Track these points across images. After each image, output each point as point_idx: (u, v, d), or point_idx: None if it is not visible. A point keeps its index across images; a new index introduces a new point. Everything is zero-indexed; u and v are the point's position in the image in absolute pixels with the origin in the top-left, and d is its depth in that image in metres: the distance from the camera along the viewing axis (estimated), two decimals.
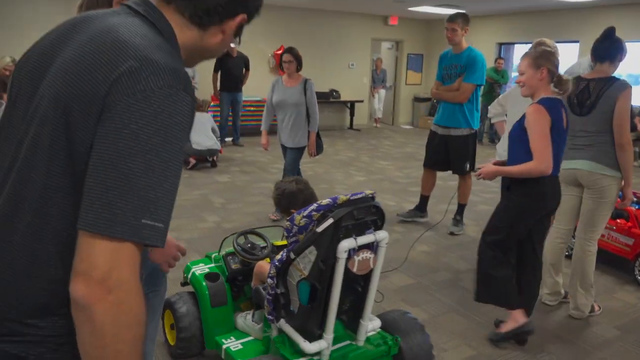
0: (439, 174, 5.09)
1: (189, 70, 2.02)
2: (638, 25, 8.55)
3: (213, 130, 7.12)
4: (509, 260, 2.80)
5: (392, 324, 2.33)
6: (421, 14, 11.28)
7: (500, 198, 2.96)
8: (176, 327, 2.49)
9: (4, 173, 0.93)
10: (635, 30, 8.49)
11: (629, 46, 3.09)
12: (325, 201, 1.97)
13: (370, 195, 2.06)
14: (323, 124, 7.11)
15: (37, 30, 6.87)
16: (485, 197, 6.11)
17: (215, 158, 7.15)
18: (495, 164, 2.88)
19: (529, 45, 3.21)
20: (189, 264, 2.65)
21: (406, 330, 2.31)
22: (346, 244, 1.91)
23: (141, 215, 0.79)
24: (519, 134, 2.65)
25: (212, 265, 2.62)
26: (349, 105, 11.71)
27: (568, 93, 2.76)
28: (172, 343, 2.56)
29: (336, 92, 11.33)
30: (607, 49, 2.96)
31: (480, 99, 4.70)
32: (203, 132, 6.84)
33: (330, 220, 1.90)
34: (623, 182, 2.98)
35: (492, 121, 3.91)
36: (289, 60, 4.67)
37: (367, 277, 2.13)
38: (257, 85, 10.62)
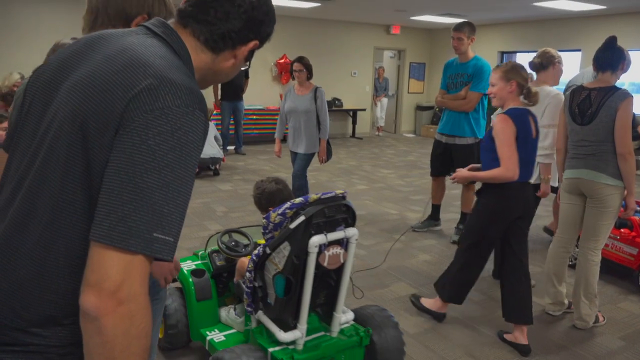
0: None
1: None
2: None
3: (216, 139, 7.14)
4: (479, 265, 2.99)
5: (367, 319, 2.47)
6: (423, 23, 11.32)
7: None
8: (165, 322, 2.58)
9: (14, 184, 0.94)
10: (637, 39, 8.51)
11: (632, 55, 3.09)
12: (298, 200, 2.11)
13: (341, 195, 2.19)
14: None
15: (39, 36, 6.91)
16: None
17: (217, 166, 7.17)
18: (471, 169, 3.01)
19: (532, 54, 3.21)
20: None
21: (380, 324, 2.44)
22: (317, 240, 2.06)
23: (153, 229, 0.81)
24: (488, 142, 2.79)
25: (199, 262, 2.74)
26: (351, 113, 11.73)
27: (536, 104, 2.89)
28: (160, 336, 2.63)
29: (338, 100, 11.36)
30: (609, 58, 2.96)
31: (487, 106, 4.69)
32: (206, 141, 6.86)
33: (302, 218, 2.05)
34: (626, 192, 2.97)
35: None
36: (299, 69, 4.80)
37: (339, 272, 2.28)
38: (259, 94, 10.67)
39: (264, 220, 2.18)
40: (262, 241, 2.58)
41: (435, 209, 5.04)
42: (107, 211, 0.80)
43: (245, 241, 2.72)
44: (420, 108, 12.74)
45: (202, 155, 6.75)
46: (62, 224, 0.87)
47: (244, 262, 2.52)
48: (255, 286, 2.25)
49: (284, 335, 2.16)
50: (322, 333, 2.34)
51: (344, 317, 2.35)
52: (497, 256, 3.79)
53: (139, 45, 0.93)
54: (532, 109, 3.23)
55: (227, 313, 2.65)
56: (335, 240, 2.14)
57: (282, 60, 10.76)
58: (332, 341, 2.29)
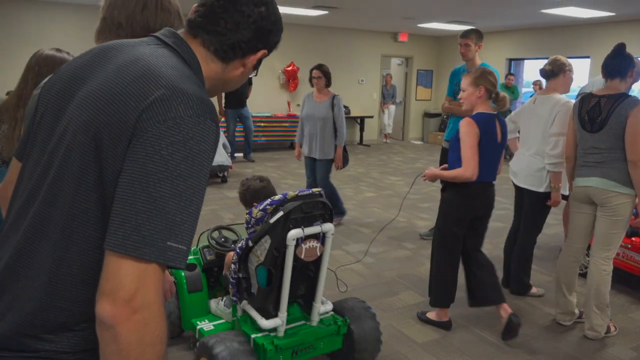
0: None
1: None
2: None
3: (224, 146, 7.17)
4: (453, 261, 3.10)
5: (347, 310, 2.63)
6: (431, 30, 11.33)
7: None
8: None
9: (27, 195, 0.95)
10: None
11: None
12: (277, 197, 2.29)
13: (317, 193, 2.36)
14: None
15: (48, 42, 6.97)
16: (498, 214, 6.04)
17: (225, 174, 7.19)
18: (444, 169, 3.13)
19: (539, 61, 3.20)
20: None
21: (358, 316, 2.59)
22: (294, 233, 2.22)
23: (167, 238, 0.82)
24: (455, 144, 2.95)
25: (191, 257, 2.87)
26: (358, 120, 11.74)
27: (505, 109, 3.04)
28: None
29: (346, 107, 11.38)
30: (618, 65, 2.94)
31: None
32: None
33: (280, 213, 2.22)
34: (637, 200, 2.94)
35: None
36: (318, 76, 4.91)
37: (317, 265, 2.44)
38: (267, 102, 10.72)
39: (246, 216, 2.34)
40: None
41: None
42: (121, 220, 0.81)
43: (234, 237, 2.93)
44: (427, 115, 12.72)
45: None
46: (75, 233, 0.88)
47: (231, 256, 2.63)
48: (239, 277, 2.40)
49: (265, 323, 2.32)
50: (303, 322, 2.51)
51: (323, 307, 2.51)
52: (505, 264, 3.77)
53: (151, 56, 0.94)
54: (542, 116, 3.21)
55: (217, 304, 2.77)
56: (313, 235, 2.30)
57: (289, 68, 10.80)
58: (311, 329, 2.46)
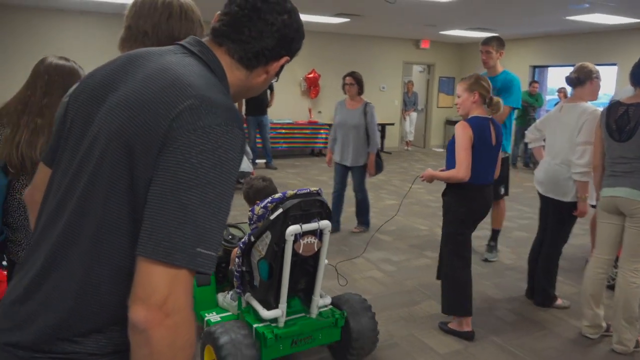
0: None
1: None
2: None
3: (246, 153, 7.22)
4: (466, 265, 3.11)
5: (345, 304, 2.74)
6: (453, 37, 11.27)
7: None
8: None
9: (58, 200, 0.97)
10: None
11: None
12: (277, 195, 2.45)
13: (315, 192, 2.51)
14: None
15: (74, 49, 7.12)
16: (521, 223, 5.96)
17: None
18: (442, 170, 3.20)
19: (565, 68, 3.15)
20: None
21: (356, 309, 2.71)
22: (292, 229, 2.35)
23: (197, 244, 0.83)
24: (451, 146, 3.07)
25: None
26: (380, 127, 11.70)
27: (500, 113, 3.19)
28: None
29: None
30: None
31: (513, 122, 4.62)
32: None
33: (280, 210, 2.37)
34: None
35: (530, 146, 3.82)
36: (350, 83, 4.97)
37: (316, 260, 2.57)
38: (288, 109, 10.77)
39: (249, 213, 2.48)
40: None
41: None
42: (153, 227, 0.83)
43: (240, 234, 3.11)
44: (449, 122, 12.63)
45: None
46: (106, 240, 0.90)
47: (236, 251, 2.71)
48: (243, 270, 2.57)
49: (266, 313, 2.46)
50: (303, 314, 2.65)
51: (321, 300, 2.65)
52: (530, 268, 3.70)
53: (178, 65, 0.96)
54: (569, 124, 3.16)
55: (224, 298, 2.90)
56: (311, 231, 2.43)
57: (310, 75, 10.84)
58: (309, 320, 2.61)
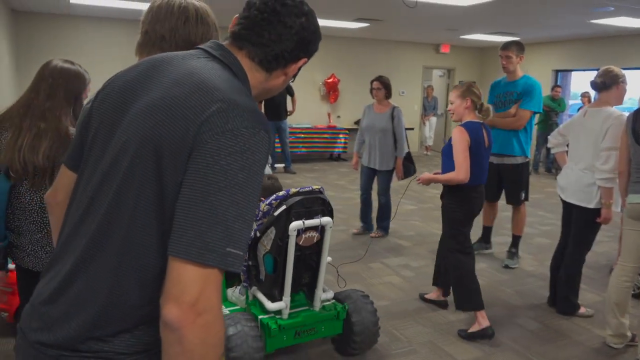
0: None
1: None
2: None
3: None
4: (470, 260, 3.24)
5: (347, 299, 2.87)
6: (473, 41, 11.18)
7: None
8: None
9: (86, 203, 0.99)
10: None
11: None
12: (281, 192, 2.58)
13: (318, 190, 2.63)
14: None
15: (93, 54, 7.23)
16: (543, 230, 5.86)
17: None
18: (436, 174, 3.35)
19: (588, 72, 3.10)
20: None
21: (358, 305, 2.82)
22: (295, 225, 2.49)
23: (227, 244, 0.86)
24: (448, 150, 3.21)
25: None
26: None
27: (490, 118, 3.36)
28: None
29: None
30: None
31: (534, 127, 4.56)
32: None
33: (283, 207, 2.51)
34: None
35: (553, 152, 3.76)
36: (377, 87, 5.03)
37: (319, 256, 2.71)
38: (308, 113, 10.80)
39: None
40: None
41: (487, 231, 4.90)
42: (185, 228, 0.85)
43: None
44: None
45: None
46: (135, 241, 0.92)
47: None
48: (249, 265, 2.69)
49: (271, 305, 2.59)
50: (306, 308, 2.77)
51: (324, 294, 2.78)
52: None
53: (203, 69, 0.98)
54: (593, 129, 3.10)
55: (233, 292, 2.98)
56: (313, 227, 2.58)
57: (330, 80, 10.86)
58: (312, 313, 2.73)
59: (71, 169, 1.15)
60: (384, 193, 5.19)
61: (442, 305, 3.63)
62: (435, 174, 3.37)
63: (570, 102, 11.22)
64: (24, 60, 8.30)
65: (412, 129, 11.87)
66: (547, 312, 3.62)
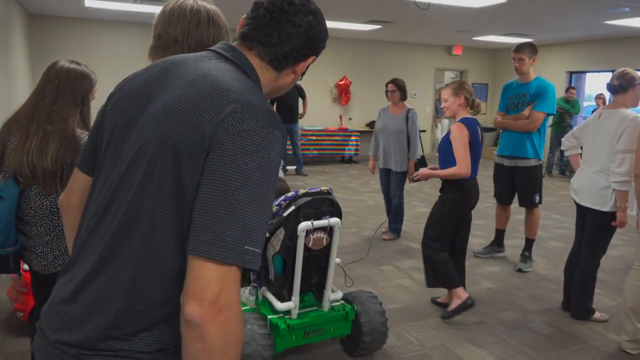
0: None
1: None
2: None
3: None
4: (446, 249, 3.46)
5: (356, 300, 2.88)
6: (486, 43, 11.12)
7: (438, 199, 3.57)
8: None
9: (105, 205, 1.00)
10: None
11: None
12: (290, 193, 2.60)
13: (326, 191, 2.65)
14: None
15: (117, 58, 7.32)
16: (557, 233, 5.80)
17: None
18: (431, 169, 3.54)
19: (603, 74, 3.07)
20: None
21: (367, 306, 2.83)
22: (304, 225, 2.51)
23: (245, 242, 0.87)
24: (446, 146, 3.36)
25: None
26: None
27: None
28: None
29: None
30: None
31: (547, 129, 4.52)
32: None
33: (292, 207, 2.52)
34: None
35: (566, 154, 3.73)
36: (392, 90, 5.07)
37: (327, 257, 2.72)
38: (319, 115, 10.81)
39: None
40: None
41: (499, 234, 4.86)
42: (204, 227, 0.87)
43: None
44: (482, 129, 12.42)
45: None
46: (154, 241, 0.94)
47: None
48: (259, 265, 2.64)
49: (280, 305, 2.61)
50: (315, 308, 2.79)
51: (333, 295, 2.79)
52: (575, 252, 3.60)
53: (216, 70, 1.00)
54: (608, 131, 3.07)
55: (243, 292, 2.97)
56: (321, 227, 2.59)
57: (342, 82, 10.86)
58: (321, 313, 2.75)
59: (85, 172, 1.16)
60: (396, 194, 5.20)
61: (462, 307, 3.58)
62: (431, 169, 3.54)
63: (585, 103, 11.10)
64: (39, 63, 8.41)
65: (424, 131, 11.80)
66: (561, 316, 3.58)
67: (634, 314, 3.02)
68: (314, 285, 2.78)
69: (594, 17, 7.38)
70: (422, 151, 5.13)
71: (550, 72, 10.44)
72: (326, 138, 10.34)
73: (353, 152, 10.65)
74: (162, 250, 0.94)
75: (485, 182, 8.82)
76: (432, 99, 12.06)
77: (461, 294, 3.41)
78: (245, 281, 3.12)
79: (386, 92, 5.16)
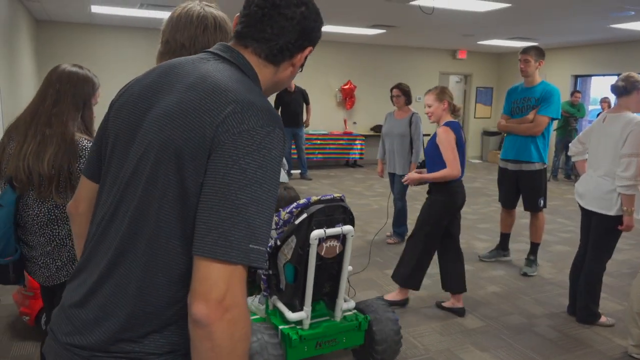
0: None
1: None
2: None
3: (282, 164, 7.28)
4: (434, 249, 3.56)
5: (369, 309, 2.82)
6: (491, 47, 11.11)
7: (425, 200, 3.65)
8: None
9: (111, 212, 1.01)
10: None
11: None
12: (302, 200, 2.54)
13: (339, 198, 2.59)
14: None
15: (122, 63, 7.35)
16: (562, 237, 5.78)
17: None
18: (418, 173, 3.63)
19: (609, 77, 3.07)
20: None
21: (380, 315, 2.77)
22: (316, 233, 2.45)
23: (249, 241, 0.88)
24: (433, 150, 3.46)
25: None
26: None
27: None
28: None
29: None
30: None
31: (551, 133, 4.51)
32: None
33: (304, 215, 2.46)
34: None
35: (573, 160, 3.72)
36: (397, 95, 5.14)
37: (340, 265, 2.65)
38: (324, 119, 10.82)
39: (275, 218, 2.54)
40: None
41: (504, 238, 4.84)
42: (208, 228, 0.88)
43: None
44: (487, 133, 12.41)
45: None
46: (161, 244, 0.95)
47: None
48: (269, 274, 2.65)
49: (291, 315, 2.55)
50: (327, 318, 2.72)
51: (345, 304, 2.73)
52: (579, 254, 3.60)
53: (215, 72, 1.00)
54: (613, 135, 3.06)
55: (252, 301, 2.92)
56: (334, 235, 2.53)
57: (346, 86, 10.87)
58: (333, 323, 2.68)
59: (90, 179, 1.17)
60: (400, 198, 5.22)
61: (459, 313, 3.60)
62: (417, 172, 3.66)
63: (590, 107, 11.07)
64: (45, 68, 8.45)
65: (428, 135, 11.79)
66: (567, 320, 3.56)
67: None
68: (326, 294, 2.71)
69: (599, 21, 7.36)
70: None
71: (555, 75, 10.42)
72: (331, 142, 10.34)
73: (358, 156, 10.65)
74: (168, 252, 0.95)
75: (490, 186, 8.80)
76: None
77: (404, 294, 3.70)
78: (255, 289, 3.07)
79: (391, 96, 5.21)
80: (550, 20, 7.44)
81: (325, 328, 2.63)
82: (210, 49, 1.09)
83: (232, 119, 0.92)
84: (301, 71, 1.19)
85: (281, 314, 2.65)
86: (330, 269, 2.64)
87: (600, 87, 11.05)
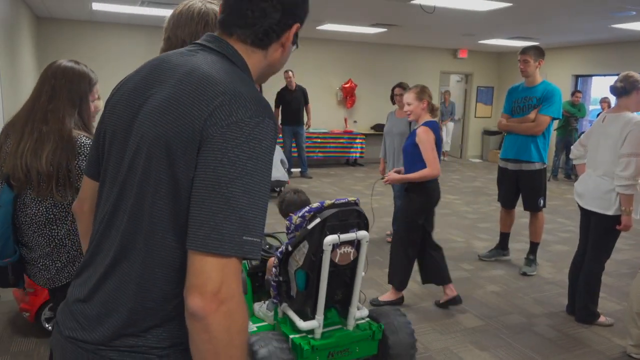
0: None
1: None
2: None
3: (282, 162, 7.28)
4: (418, 246, 3.61)
5: (383, 318, 2.71)
6: (492, 46, 11.10)
7: (402, 199, 3.81)
8: None
9: (112, 209, 1.02)
10: None
11: None
12: (315, 204, 2.43)
13: (353, 201, 2.49)
14: None
15: (123, 61, 7.35)
16: (562, 237, 5.78)
17: (282, 189, 7.28)
18: (396, 172, 3.70)
19: (609, 77, 3.07)
20: None
21: (395, 324, 2.67)
22: (330, 239, 2.34)
23: (242, 233, 0.88)
24: (412, 149, 3.50)
25: None
26: None
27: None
28: None
29: None
30: None
31: (552, 132, 4.52)
32: (273, 164, 7.01)
33: (317, 219, 2.35)
34: None
35: (574, 162, 3.72)
36: (399, 94, 5.12)
37: (353, 271, 2.55)
38: (324, 118, 10.82)
39: (287, 222, 2.48)
40: None
41: (504, 237, 4.85)
42: (200, 222, 0.88)
43: (277, 244, 3.11)
44: (487, 133, 12.41)
45: None
46: (156, 240, 0.96)
47: (272, 260, 2.70)
48: (280, 280, 2.54)
49: (303, 324, 2.44)
50: (339, 326, 2.61)
51: (358, 312, 2.61)
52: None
53: (204, 64, 0.99)
54: (612, 135, 3.07)
55: (260, 307, 2.88)
56: (348, 241, 2.42)
57: (347, 85, 10.87)
58: (346, 332, 2.57)
59: (92, 178, 1.17)
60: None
61: (457, 301, 3.68)
62: (396, 171, 3.72)
63: (591, 107, 11.06)
64: (46, 65, 8.47)
65: None
66: (566, 320, 3.57)
67: (639, 319, 3.01)
68: (338, 301, 2.60)
69: (599, 21, 7.36)
70: None
71: (556, 75, 10.41)
72: (331, 141, 10.34)
73: (358, 155, 10.65)
74: (164, 248, 0.95)
75: (490, 185, 8.80)
76: (437, 102, 12.04)
77: (399, 294, 3.71)
78: (261, 294, 3.02)
79: (392, 96, 5.20)
80: (551, 20, 7.43)
81: (338, 338, 2.52)
82: (198, 41, 1.08)
83: (220, 112, 0.91)
84: (297, 48, 1.15)
85: (291, 323, 2.54)
86: (343, 275, 2.54)
87: (601, 87, 11.05)
